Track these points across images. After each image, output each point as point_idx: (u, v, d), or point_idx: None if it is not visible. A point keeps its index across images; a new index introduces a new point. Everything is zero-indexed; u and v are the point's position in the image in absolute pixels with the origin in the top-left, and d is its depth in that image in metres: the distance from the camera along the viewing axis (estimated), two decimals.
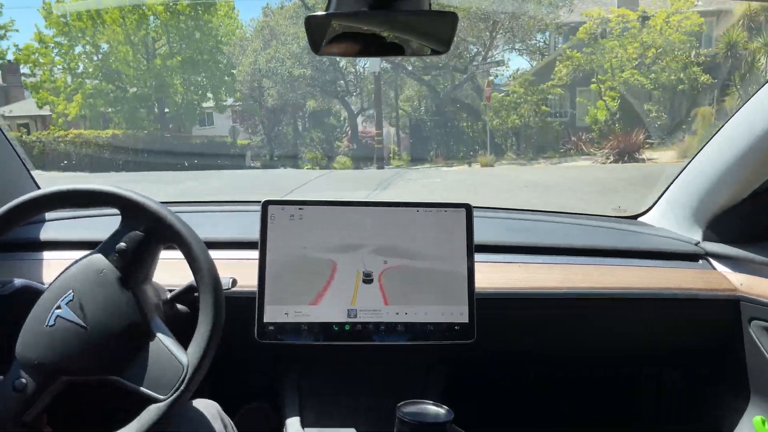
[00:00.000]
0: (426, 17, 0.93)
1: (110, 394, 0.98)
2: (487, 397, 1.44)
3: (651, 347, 1.45)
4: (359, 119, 20.72)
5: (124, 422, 0.89)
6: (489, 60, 18.06)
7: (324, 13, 0.88)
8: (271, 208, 1.14)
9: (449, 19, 0.93)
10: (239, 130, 21.45)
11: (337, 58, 18.76)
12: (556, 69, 16.61)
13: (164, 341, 0.93)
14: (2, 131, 1.34)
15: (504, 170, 14.26)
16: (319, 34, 0.91)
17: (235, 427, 1.14)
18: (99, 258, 0.97)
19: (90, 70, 20.35)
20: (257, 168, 18.56)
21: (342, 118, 21.22)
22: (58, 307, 0.92)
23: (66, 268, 0.98)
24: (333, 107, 21.16)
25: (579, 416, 1.52)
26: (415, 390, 1.18)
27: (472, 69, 18.15)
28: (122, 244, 0.96)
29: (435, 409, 0.96)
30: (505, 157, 16.66)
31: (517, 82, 17.59)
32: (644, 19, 15.51)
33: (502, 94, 17.66)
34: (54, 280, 0.97)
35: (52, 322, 0.91)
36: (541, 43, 19.36)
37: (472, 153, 17.65)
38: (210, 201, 1.62)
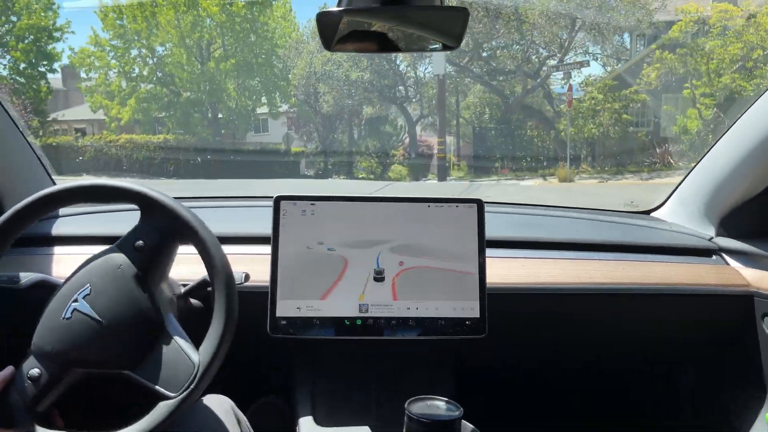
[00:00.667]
0: (438, 13, 1.02)
1: (122, 390, 1.07)
2: (497, 393, 1.51)
3: (663, 343, 1.50)
4: (417, 127, 20.74)
5: (136, 418, 0.97)
6: (566, 62, 17.70)
7: (337, 9, 0.98)
8: (283, 203, 1.23)
9: (461, 14, 1.02)
10: (293, 137, 22.01)
11: (398, 60, 19.00)
12: (643, 72, 15.97)
13: (177, 339, 1.01)
14: (20, 129, 1.45)
15: (592, 186, 13.46)
16: (331, 30, 1.01)
17: (248, 423, 1.23)
18: (117, 253, 1.05)
19: (144, 73, 21.31)
20: (310, 177, 19.02)
21: (398, 126, 21.41)
22: (75, 300, 1.01)
23: (84, 263, 1.07)
24: (390, 114, 21.36)
25: (589, 413, 1.57)
26: (426, 386, 1.26)
27: (548, 71, 17.78)
28: (140, 242, 1.04)
29: (445, 406, 1.01)
30: (583, 170, 16.25)
31: (596, 87, 17.06)
32: (751, 16, 14.64)
33: (576, 99, 17.13)
34: (72, 274, 1.06)
35: (68, 315, 1.00)
36: (618, 46, 18.68)
37: (545, 164, 17.22)
38: (223, 196, 1.74)
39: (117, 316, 1.00)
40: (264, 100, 22.27)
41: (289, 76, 20.99)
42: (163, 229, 1.05)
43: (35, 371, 0.99)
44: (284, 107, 22.58)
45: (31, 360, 1.01)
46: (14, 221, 1.04)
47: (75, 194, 1.06)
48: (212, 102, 21.22)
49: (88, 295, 1.01)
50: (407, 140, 20.69)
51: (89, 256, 1.08)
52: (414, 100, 20.60)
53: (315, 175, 19.37)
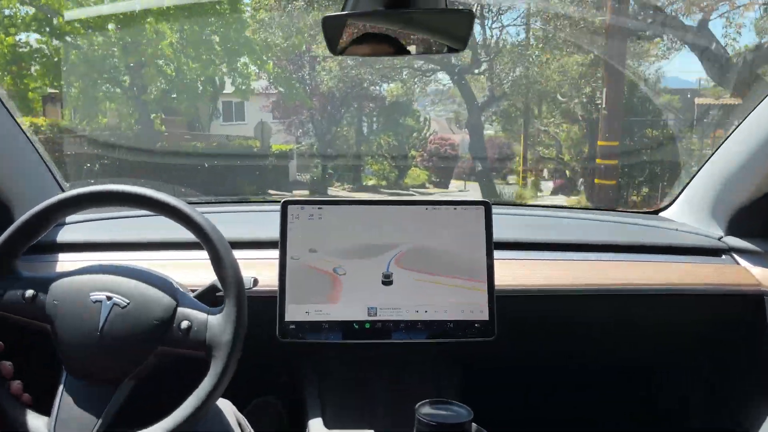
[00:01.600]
0: (443, 16, 1.02)
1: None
2: (506, 395, 1.51)
3: (673, 343, 1.50)
4: (435, 122, 17.05)
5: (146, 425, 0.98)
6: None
7: (341, 13, 0.99)
8: (290, 207, 1.24)
9: (466, 17, 1.02)
10: (271, 128, 14.72)
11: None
12: None
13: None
14: (26, 135, 1.46)
15: None
16: (336, 34, 1.02)
17: (249, 425, 1.24)
18: None
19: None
20: (305, 187, 14.11)
21: (423, 119, 17.03)
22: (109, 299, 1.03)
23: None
24: (413, 99, 16.20)
25: (599, 414, 1.57)
26: (435, 389, 1.27)
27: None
28: None
29: (455, 409, 1.02)
30: None
31: None
32: None
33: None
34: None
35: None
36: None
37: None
38: (230, 201, 1.76)
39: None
40: (224, 68, 14.00)
41: (266, 35, 12.90)
42: None
43: None
44: (261, 83, 15.07)
45: None
46: (33, 223, 1.05)
47: (93, 198, 1.07)
48: (134, 66, 12.55)
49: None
50: (436, 136, 16.87)
51: (93, 263, 1.09)
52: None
53: (310, 183, 14.42)
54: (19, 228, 1.04)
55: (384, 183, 15.20)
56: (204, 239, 1.04)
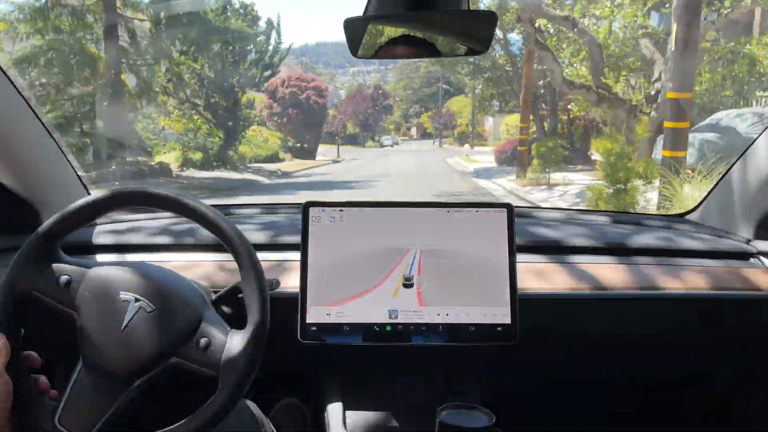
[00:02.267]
0: (465, 18, 1.02)
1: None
2: (528, 399, 1.50)
3: (700, 349, 1.47)
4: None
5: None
6: None
7: (362, 16, 0.99)
8: (312, 209, 1.25)
9: (489, 18, 1.01)
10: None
11: None
12: None
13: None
14: (53, 137, 1.47)
15: None
16: (358, 37, 1.02)
17: (271, 424, 1.24)
18: None
19: None
20: None
21: None
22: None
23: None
24: None
25: (621, 420, 1.55)
26: (456, 392, 1.26)
27: None
28: None
29: (476, 413, 1.02)
30: None
31: None
32: None
33: None
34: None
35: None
36: None
37: None
38: (251, 204, 1.77)
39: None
40: None
41: None
42: None
43: None
44: None
45: None
46: (63, 224, 1.06)
47: (115, 200, 1.08)
48: None
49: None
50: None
51: (116, 263, 1.10)
52: None
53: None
54: (71, 213, 1.05)
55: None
56: (228, 242, 1.04)
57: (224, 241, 1.05)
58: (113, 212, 1.13)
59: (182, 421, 0.97)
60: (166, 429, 0.97)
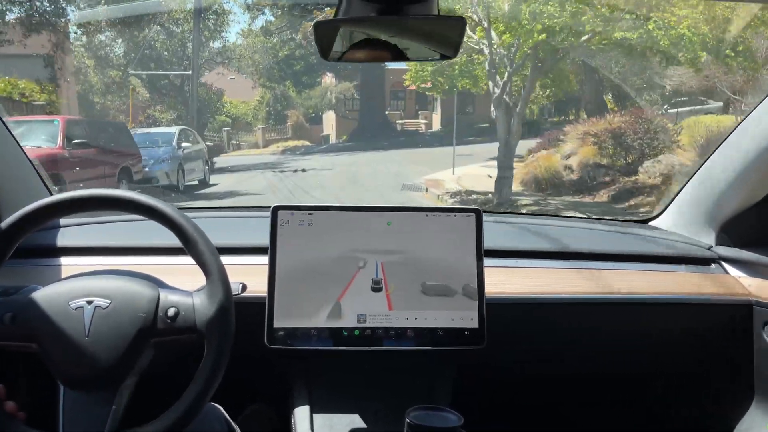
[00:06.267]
0: (434, 22, 1.03)
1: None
2: (495, 402, 1.51)
3: (662, 352, 1.50)
4: None
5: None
6: None
7: (332, 19, 0.99)
8: (281, 213, 1.24)
9: (458, 23, 1.02)
10: None
11: None
12: None
13: None
14: (14, 137, 1.45)
15: None
16: (328, 40, 1.02)
17: (239, 430, 1.24)
18: None
19: None
20: None
21: None
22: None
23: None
24: None
25: (588, 421, 1.57)
26: (424, 395, 1.26)
27: None
28: None
29: (444, 415, 1.02)
30: None
31: None
32: None
33: None
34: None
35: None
36: None
37: None
38: (220, 207, 1.76)
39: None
40: None
41: None
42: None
43: None
44: None
45: None
46: (18, 226, 1.03)
47: (77, 203, 1.06)
48: None
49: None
50: None
51: (85, 268, 1.08)
52: None
53: None
54: (28, 213, 1.02)
55: None
56: (190, 244, 1.03)
57: (166, 224, 1.04)
58: (72, 215, 1.10)
59: (187, 390, 0.97)
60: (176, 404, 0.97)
